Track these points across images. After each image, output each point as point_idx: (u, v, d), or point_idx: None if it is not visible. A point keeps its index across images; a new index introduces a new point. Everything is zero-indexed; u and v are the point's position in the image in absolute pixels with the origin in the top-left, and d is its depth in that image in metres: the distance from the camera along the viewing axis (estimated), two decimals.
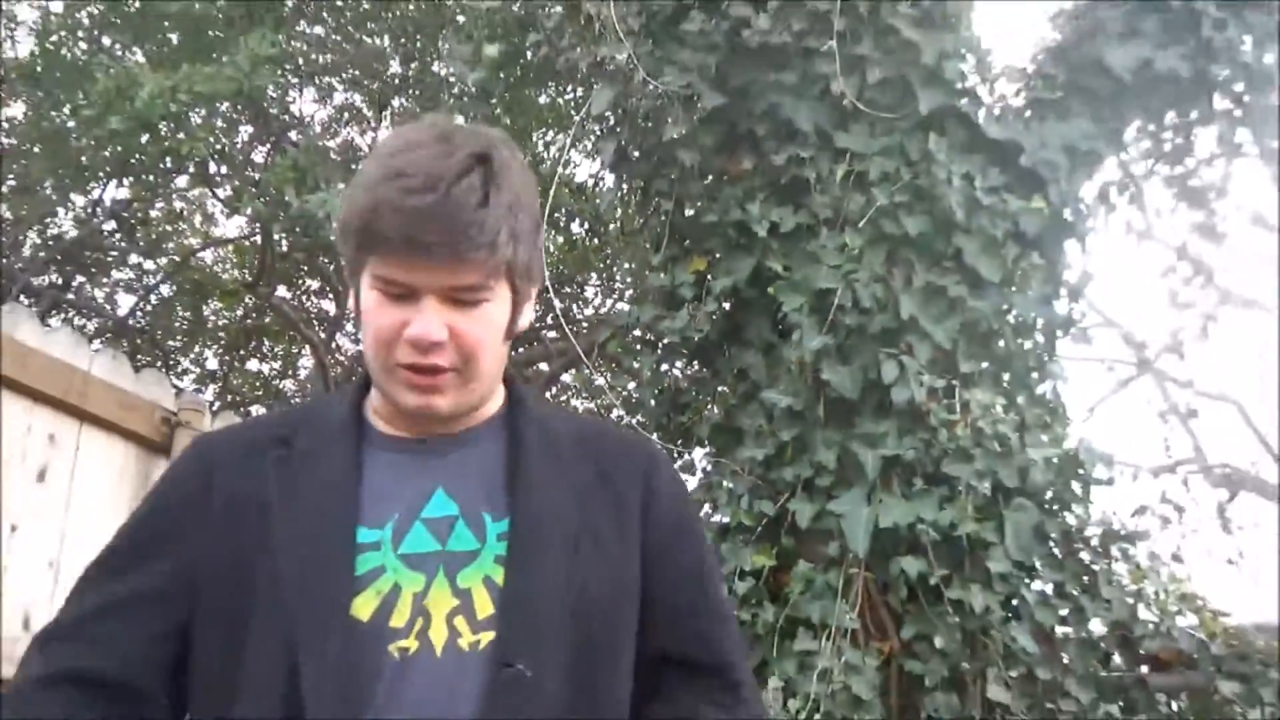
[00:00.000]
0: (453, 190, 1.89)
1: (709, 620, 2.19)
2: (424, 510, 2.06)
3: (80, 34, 13.70)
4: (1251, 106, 6.12)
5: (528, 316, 2.12)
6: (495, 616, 1.99)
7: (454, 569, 2.02)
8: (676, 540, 2.20)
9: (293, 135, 12.86)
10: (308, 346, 15.88)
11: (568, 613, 2.03)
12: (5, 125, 15.08)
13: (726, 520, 5.12)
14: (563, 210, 12.01)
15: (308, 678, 1.91)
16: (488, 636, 1.98)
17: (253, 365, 17.42)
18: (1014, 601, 4.93)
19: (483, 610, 2.00)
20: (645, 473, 2.22)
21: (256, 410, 16.70)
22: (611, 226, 12.56)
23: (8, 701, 2.01)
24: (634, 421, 6.11)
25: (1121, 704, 5.17)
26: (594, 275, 13.95)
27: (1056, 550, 5.11)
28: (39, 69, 13.35)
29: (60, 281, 15.46)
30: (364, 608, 1.96)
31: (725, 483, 5.19)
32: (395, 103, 13.97)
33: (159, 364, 14.83)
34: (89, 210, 15.21)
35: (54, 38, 13.54)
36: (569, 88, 11.41)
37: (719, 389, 5.63)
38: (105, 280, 16.35)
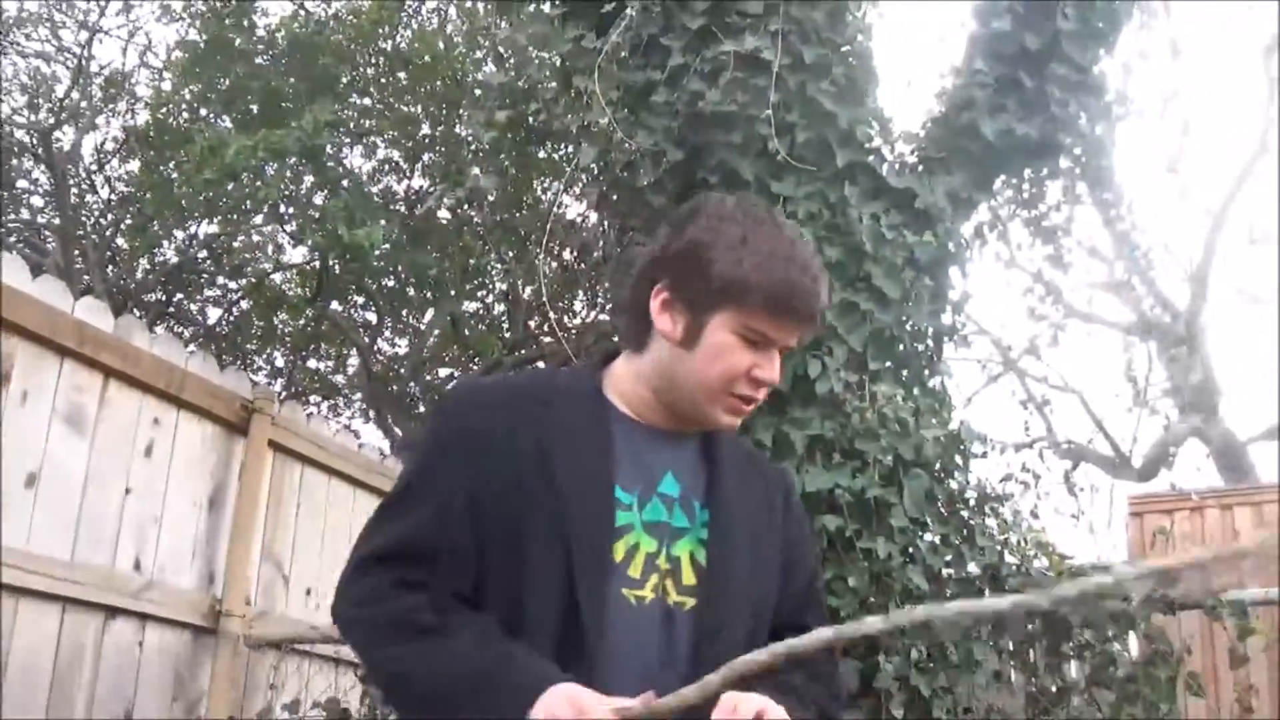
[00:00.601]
0: (824, 281, 2.07)
1: (816, 612, 2.31)
2: (660, 486, 2.09)
3: (183, 106, 13.74)
4: (1088, 166, 6.16)
5: None
6: (696, 587, 2.05)
7: (672, 540, 2.07)
8: (800, 551, 2.30)
9: (344, 183, 12.78)
10: (355, 349, 15.83)
11: (747, 595, 2.12)
12: (125, 177, 15.12)
13: None
14: (557, 241, 11.96)
15: (584, 599, 1.94)
16: (689, 601, 2.04)
17: (312, 364, 17.31)
18: (910, 550, 4.90)
19: (686, 579, 2.06)
20: (786, 496, 2.31)
21: (315, 399, 16.66)
22: (595, 254, 12.51)
23: (375, 602, 2.02)
24: None
25: (990, 627, 5.16)
26: (581, 292, 13.88)
27: (943, 509, 5.09)
28: (151, 134, 13.38)
29: (164, 298, 15.40)
30: (617, 553, 2.00)
31: None
32: (425, 157, 13.90)
33: (239, 363, 14.76)
34: (187, 242, 15.17)
35: (163, 109, 13.59)
36: (562, 145, 11.35)
37: None
38: (199, 297, 16.32)
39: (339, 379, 17.30)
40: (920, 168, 5.78)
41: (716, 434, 2.19)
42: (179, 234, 14.93)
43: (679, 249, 2.07)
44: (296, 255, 15.82)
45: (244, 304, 16.46)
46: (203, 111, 13.63)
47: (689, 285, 2.04)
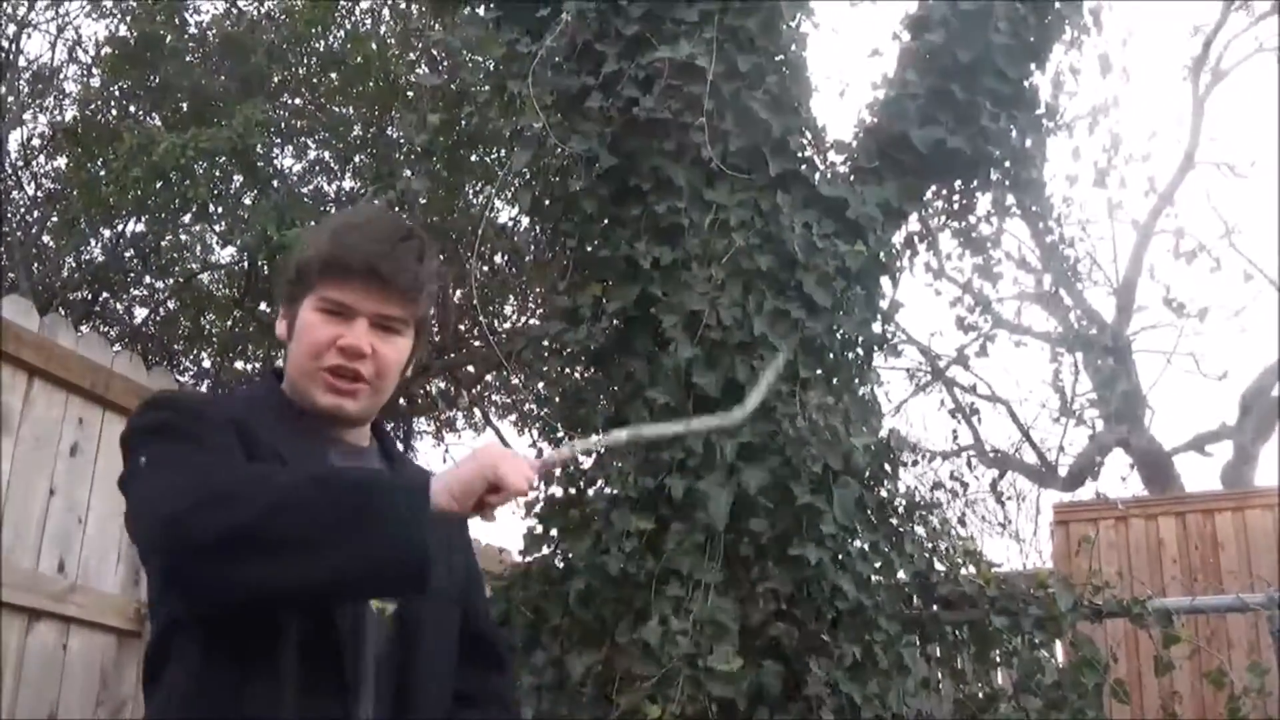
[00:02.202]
0: (402, 243, 2.01)
1: (487, 613, 2.49)
2: None
3: (112, 103, 13.62)
4: (1017, 178, 6.19)
5: (409, 366, 2.17)
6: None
7: None
8: (473, 556, 2.39)
9: (274, 183, 12.70)
10: (282, 351, 15.73)
11: (449, 593, 2.19)
12: (52, 173, 14.97)
13: (616, 492, 5.08)
14: (488, 245, 11.95)
15: (341, 618, 1.99)
16: (389, 607, 2.08)
17: (239, 365, 17.21)
18: (840, 556, 4.92)
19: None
20: None
21: None
22: (527, 259, 12.52)
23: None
24: (543, 413, 6.07)
25: (919, 634, 5.19)
26: (512, 297, 13.88)
27: (873, 517, 5.12)
28: (79, 130, 13.25)
29: (90, 297, 15.26)
30: None
31: (616, 462, 5.14)
32: (356, 159, 13.84)
33: (165, 363, 14.63)
34: (114, 241, 15.03)
35: (91, 105, 13.48)
36: (495, 149, 11.33)
37: (611, 388, 5.58)
38: (125, 296, 16.17)
39: None
40: (852, 177, 5.82)
41: (395, 454, 2.23)
42: (106, 232, 14.80)
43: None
44: (225, 255, 15.74)
45: (171, 304, 16.33)
46: (132, 109, 13.53)
47: (281, 286, 2.13)
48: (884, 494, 5.26)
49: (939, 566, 5.37)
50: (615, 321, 5.51)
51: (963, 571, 5.40)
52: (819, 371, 5.32)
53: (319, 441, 2.10)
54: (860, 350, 5.63)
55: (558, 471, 5.53)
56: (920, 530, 5.34)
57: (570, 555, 5.12)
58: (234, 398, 2.25)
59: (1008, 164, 6.12)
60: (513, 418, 15.29)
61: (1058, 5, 5.97)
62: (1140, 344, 15.75)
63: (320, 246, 2.05)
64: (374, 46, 12.85)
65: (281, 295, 2.15)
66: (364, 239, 2.01)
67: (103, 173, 12.60)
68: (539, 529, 5.40)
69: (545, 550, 5.35)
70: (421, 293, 2.06)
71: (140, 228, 14.71)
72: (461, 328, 14.00)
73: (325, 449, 2.08)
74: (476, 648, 2.29)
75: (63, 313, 11.77)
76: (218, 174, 12.46)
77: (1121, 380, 14.43)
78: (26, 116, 14.83)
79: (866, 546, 5.04)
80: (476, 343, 13.82)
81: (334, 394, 2.05)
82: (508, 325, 14.15)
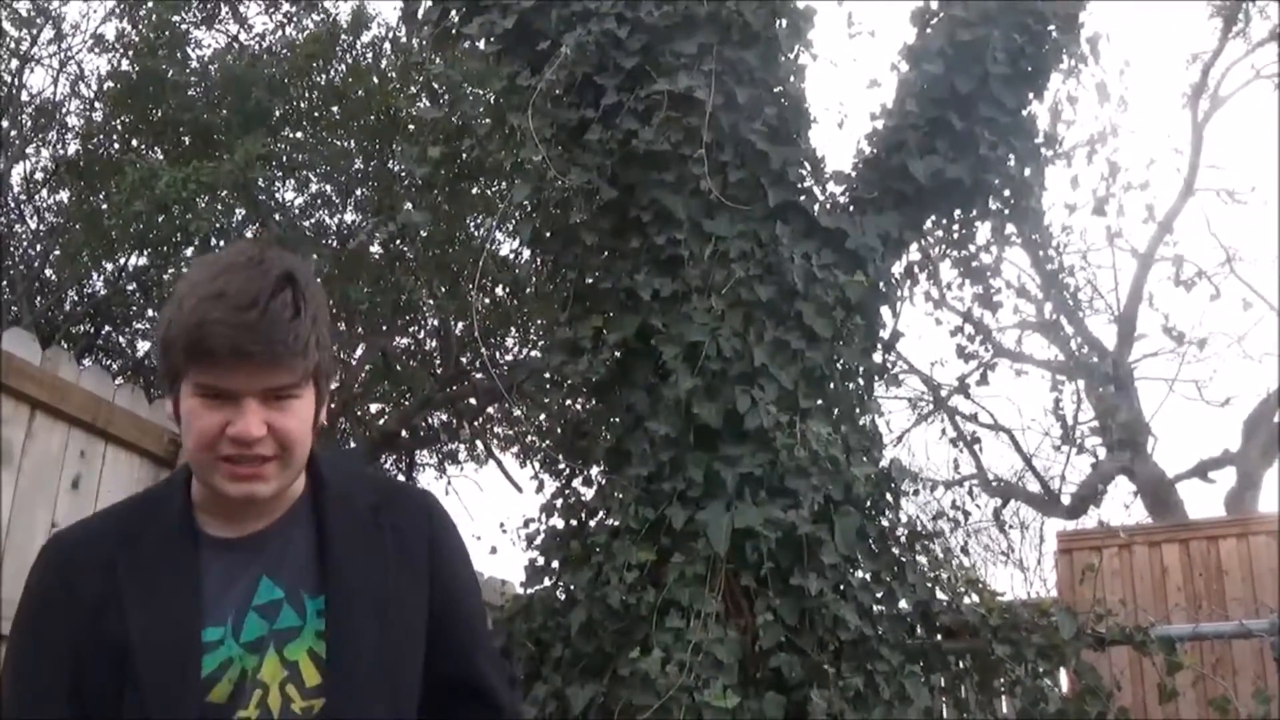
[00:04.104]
0: (270, 306, 1.81)
1: (481, 655, 2.19)
2: (254, 599, 1.96)
3: (114, 137, 13.64)
4: (1017, 207, 6.20)
5: (323, 411, 2.00)
6: (322, 686, 1.93)
7: (281, 644, 1.94)
8: (454, 594, 2.16)
9: (276, 216, 12.72)
10: None
11: (382, 671, 1.99)
12: (54, 207, 14.99)
13: (617, 523, 5.07)
14: (489, 277, 11.95)
15: None
16: (318, 703, 1.92)
17: None
18: (841, 586, 4.91)
19: (310, 679, 1.93)
20: (431, 536, 2.15)
21: None
22: (528, 291, 12.51)
23: None
24: (545, 445, 6.07)
25: (922, 663, 5.18)
26: (513, 329, 13.86)
27: (874, 546, 5.11)
28: (82, 164, 13.27)
29: (92, 330, 15.26)
30: (219, 694, 1.88)
31: (617, 494, 5.14)
32: (358, 192, 13.86)
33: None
34: (116, 274, 15.03)
35: (94, 140, 13.48)
36: (496, 182, 11.34)
37: (612, 420, 5.59)
38: (127, 330, 16.15)
39: None
40: (851, 208, 5.84)
41: (327, 504, 2.07)
42: (108, 265, 14.78)
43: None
44: None
45: None
46: (134, 143, 13.54)
47: (159, 364, 1.92)
48: (885, 523, 5.26)
49: (941, 595, 5.36)
50: (616, 353, 5.53)
51: (965, 600, 5.39)
52: (819, 402, 5.33)
53: (237, 552, 1.99)
54: (861, 380, 5.64)
55: (559, 503, 5.54)
56: (922, 559, 5.33)
57: (572, 587, 5.12)
58: (125, 515, 2.05)
59: (1007, 193, 6.14)
60: (515, 449, 15.28)
61: (1055, 35, 5.99)
62: (1142, 371, 15.75)
63: (181, 328, 1.84)
64: (375, 80, 12.89)
65: (160, 373, 1.94)
66: (227, 312, 1.81)
67: (105, 206, 12.62)
68: (540, 561, 5.41)
69: (547, 582, 5.35)
70: (304, 350, 1.87)
71: (142, 261, 14.70)
72: (464, 360, 14.00)
73: (197, 614, 1.93)
74: (465, 692, 2.17)
75: (65, 346, 11.79)
76: (219, 207, 12.47)
77: (1123, 408, 14.43)
78: (29, 150, 14.86)
79: (868, 576, 5.04)
80: (478, 375, 13.82)
81: (240, 483, 1.90)
82: (509, 357, 14.16)
